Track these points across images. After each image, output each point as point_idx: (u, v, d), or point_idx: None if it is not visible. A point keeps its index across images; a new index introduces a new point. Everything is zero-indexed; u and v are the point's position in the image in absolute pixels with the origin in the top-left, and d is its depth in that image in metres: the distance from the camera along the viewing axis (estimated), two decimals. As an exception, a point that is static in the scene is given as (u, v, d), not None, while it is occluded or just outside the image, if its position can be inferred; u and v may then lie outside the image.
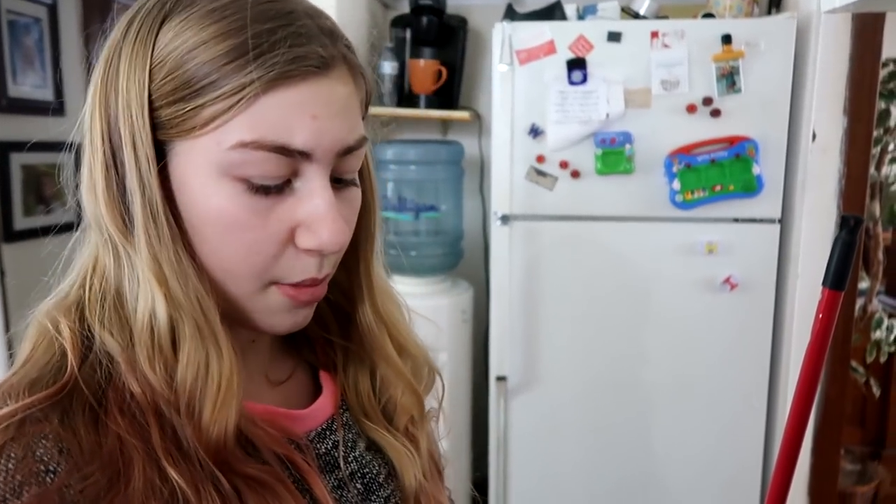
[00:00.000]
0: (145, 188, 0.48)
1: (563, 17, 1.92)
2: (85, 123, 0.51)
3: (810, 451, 1.93)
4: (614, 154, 1.81)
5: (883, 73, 2.09)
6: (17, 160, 2.38)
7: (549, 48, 1.80)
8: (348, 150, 0.52)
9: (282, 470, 0.52)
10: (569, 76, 1.80)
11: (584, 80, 1.80)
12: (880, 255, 2.28)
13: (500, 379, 1.94)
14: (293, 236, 0.51)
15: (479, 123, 2.45)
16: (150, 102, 0.48)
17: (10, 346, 2.14)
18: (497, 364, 1.94)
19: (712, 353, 1.88)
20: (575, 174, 1.84)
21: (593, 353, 1.92)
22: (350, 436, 0.62)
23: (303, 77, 0.48)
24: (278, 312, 0.54)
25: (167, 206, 0.48)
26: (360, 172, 0.58)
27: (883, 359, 2.37)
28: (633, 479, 1.97)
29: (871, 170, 2.15)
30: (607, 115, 1.79)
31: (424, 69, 2.21)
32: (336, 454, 0.60)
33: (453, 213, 2.28)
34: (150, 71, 0.48)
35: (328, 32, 0.51)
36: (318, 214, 0.50)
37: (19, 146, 2.40)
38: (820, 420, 1.92)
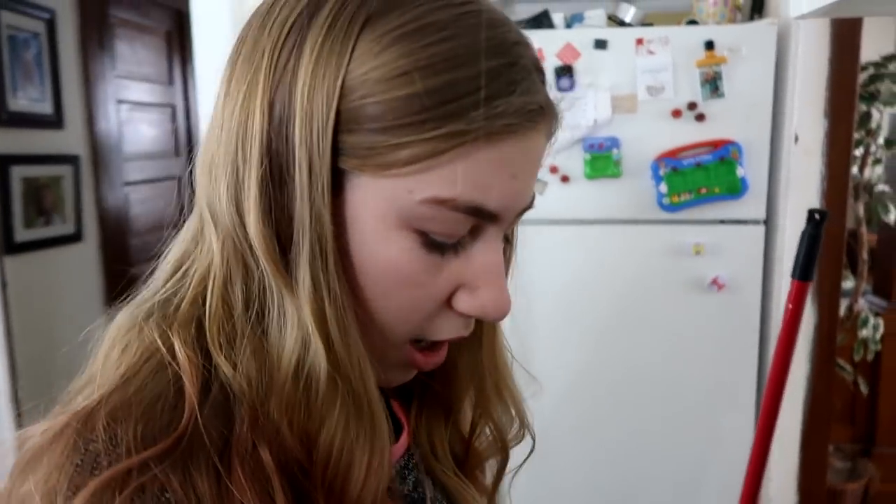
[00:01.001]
0: (316, 220, 0.40)
1: (550, 25, 1.97)
2: (221, 115, 0.43)
3: (799, 447, 1.97)
4: (602, 159, 1.85)
5: (863, 76, 2.14)
6: (18, 173, 2.42)
7: (538, 55, 1.85)
8: (524, 211, 0.46)
9: None
10: (557, 83, 1.85)
11: (572, 86, 1.85)
12: (865, 255, 2.33)
13: (495, 381, 1.98)
14: (452, 296, 0.45)
15: (471, 131, 2.50)
16: (337, 122, 0.40)
17: (11, 354, 2.17)
18: (491, 366, 1.98)
19: (701, 353, 1.92)
20: (565, 179, 1.88)
21: (584, 354, 1.96)
22: (421, 476, 0.57)
23: (521, 131, 0.41)
24: (397, 368, 0.49)
25: (337, 245, 0.41)
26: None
27: (870, 357, 2.42)
28: (624, 479, 2.00)
29: (854, 171, 2.20)
30: (595, 121, 1.84)
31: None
32: (416, 495, 0.55)
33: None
34: (344, 83, 0.39)
35: (540, 69, 0.45)
36: (487, 279, 0.44)
37: (19, 159, 2.44)
38: (808, 417, 1.96)
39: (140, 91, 3.20)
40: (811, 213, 0.69)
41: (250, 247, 0.42)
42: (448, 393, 0.58)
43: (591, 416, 1.98)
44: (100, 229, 2.91)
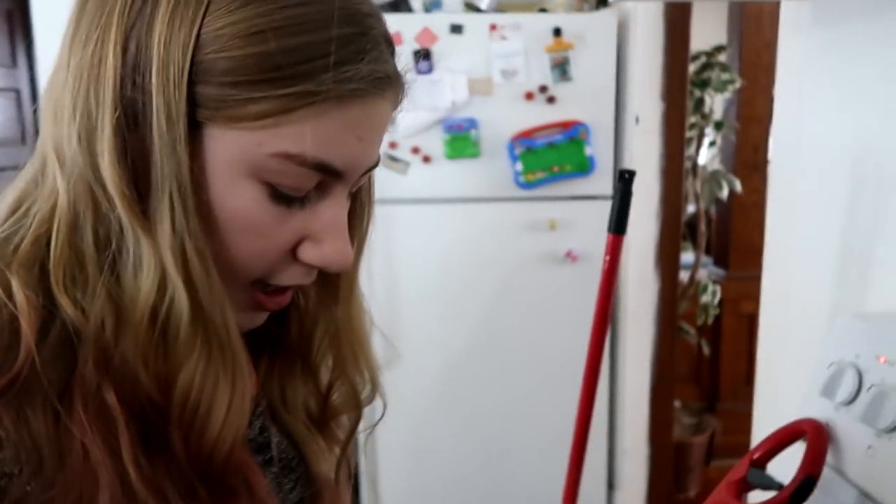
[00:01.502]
0: (177, 165, 0.41)
1: (409, 9, 2.01)
2: (83, 58, 0.42)
3: (648, 404, 2.14)
4: (461, 139, 1.93)
5: (696, 64, 2.35)
6: None
7: (396, 39, 1.88)
8: (369, 170, 0.49)
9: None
10: (416, 66, 1.90)
11: (431, 69, 1.90)
12: (703, 228, 2.55)
13: (366, 359, 2.01)
14: (296, 246, 0.47)
15: (336, 115, 2.51)
16: (191, 71, 0.41)
17: None
18: (361, 345, 2.01)
19: (558, 321, 2.04)
20: (426, 159, 1.94)
21: (451, 328, 2.04)
22: (267, 422, 0.59)
23: (368, 96, 0.44)
24: (243, 312, 0.49)
25: (197, 191, 0.42)
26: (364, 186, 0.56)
27: (710, 322, 2.65)
28: (494, 446, 2.10)
29: (691, 151, 2.40)
30: (453, 103, 1.91)
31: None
32: (261, 439, 0.57)
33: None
34: (200, 35, 0.40)
35: (389, 42, 0.47)
36: (328, 231, 0.47)
37: None
38: (655, 378, 2.14)
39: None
40: (621, 172, 0.78)
41: (104, 189, 0.41)
42: (303, 346, 0.59)
43: (458, 387, 2.06)
44: None
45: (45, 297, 0.42)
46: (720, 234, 3.06)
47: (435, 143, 1.93)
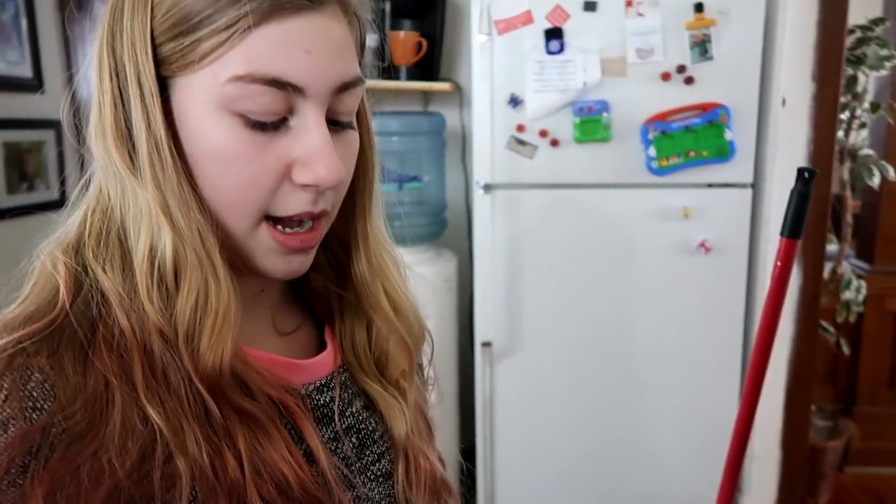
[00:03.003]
0: (150, 122, 0.49)
1: (540, -13, 1.94)
2: (93, 65, 0.52)
3: (783, 407, 2.01)
4: (592, 122, 1.85)
5: (850, 39, 2.14)
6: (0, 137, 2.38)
7: (527, 18, 1.83)
8: (343, 88, 0.52)
9: (274, 412, 0.52)
10: (546, 46, 1.83)
11: (562, 49, 1.83)
12: (849, 218, 2.36)
13: (486, 345, 2.00)
14: (290, 172, 0.51)
15: (459, 94, 2.48)
16: (153, 39, 0.49)
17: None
18: (482, 330, 2.00)
19: (689, 315, 1.95)
20: (554, 143, 1.88)
21: (575, 316, 1.98)
22: (347, 394, 0.63)
23: (296, 11, 0.49)
24: (271, 254, 0.54)
25: (171, 139, 0.50)
26: (358, 118, 0.58)
27: (852, 319, 2.46)
28: (616, 437, 2.04)
29: (840, 135, 2.21)
30: (584, 84, 1.83)
31: (405, 41, 2.24)
32: (332, 408, 0.60)
33: (436, 183, 2.32)
34: (152, 8, 0.49)
35: None
36: (313, 150, 0.51)
37: (0, 123, 2.40)
38: (791, 377, 2.00)
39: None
40: (800, 171, 0.70)
41: (113, 162, 0.50)
42: (359, 303, 0.64)
43: (584, 379, 2.01)
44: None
45: (83, 267, 0.51)
46: (865, 224, 2.82)
47: (564, 126, 1.86)
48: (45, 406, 0.45)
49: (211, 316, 0.50)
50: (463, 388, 2.33)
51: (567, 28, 1.83)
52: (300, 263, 0.56)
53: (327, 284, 0.66)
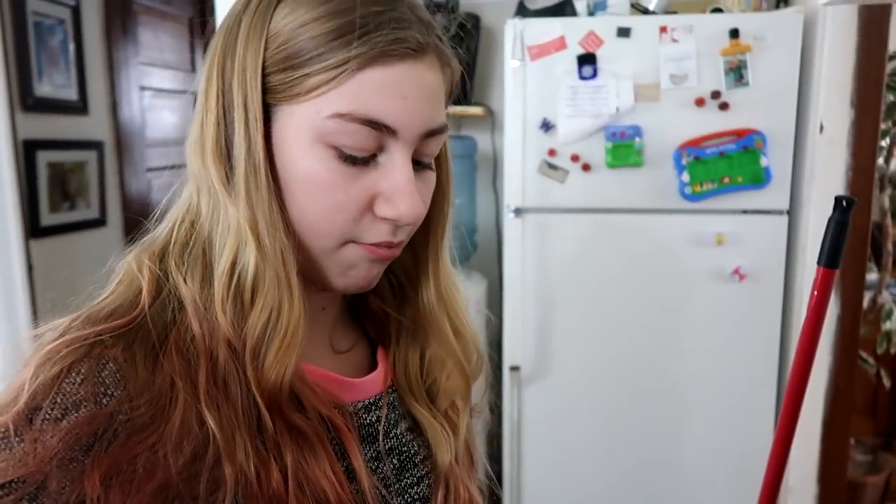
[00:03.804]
0: (251, 145, 0.52)
1: (573, 13, 1.95)
2: (200, 85, 0.56)
3: (819, 439, 1.96)
4: (624, 147, 1.84)
5: (891, 65, 2.11)
6: (44, 158, 2.45)
7: (560, 44, 1.84)
8: (430, 134, 0.56)
9: (323, 429, 0.55)
10: (579, 71, 1.84)
11: (595, 74, 1.84)
12: (890, 247, 2.30)
13: (514, 369, 1.99)
14: (373, 204, 0.55)
15: (491, 119, 2.50)
16: (264, 69, 0.52)
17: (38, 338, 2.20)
18: (510, 354, 1.99)
19: (722, 343, 1.92)
20: (586, 167, 1.88)
21: (604, 342, 1.96)
22: (394, 415, 0.65)
23: (400, 58, 0.52)
24: (353, 267, 0.57)
25: (268, 162, 0.53)
26: (438, 160, 0.62)
27: (893, 350, 2.39)
28: (644, 466, 2.01)
29: (880, 162, 2.17)
30: (617, 109, 1.83)
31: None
32: (378, 428, 0.63)
33: (467, 206, 2.33)
34: (267, 40, 0.52)
35: (425, 23, 0.56)
36: (397, 187, 0.54)
37: (45, 144, 2.47)
38: (829, 409, 1.95)
39: (162, 78, 3.22)
40: (838, 199, 0.69)
41: (209, 177, 0.53)
42: (418, 330, 0.67)
43: (612, 406, 1.98)
44: (123, 214, 2.94)
45: (164, 273, 0.55)
46: (907, 252, 2.75)
47: (596, 150, 1.86)
48: (115, 394, 0.48)
49: (280, 334, 0.52)
50: (490, 412, 2.31)
51: (600, 54, 1.83)
52: (375, 275, 0.60)
53: (385, 308, 0.69)
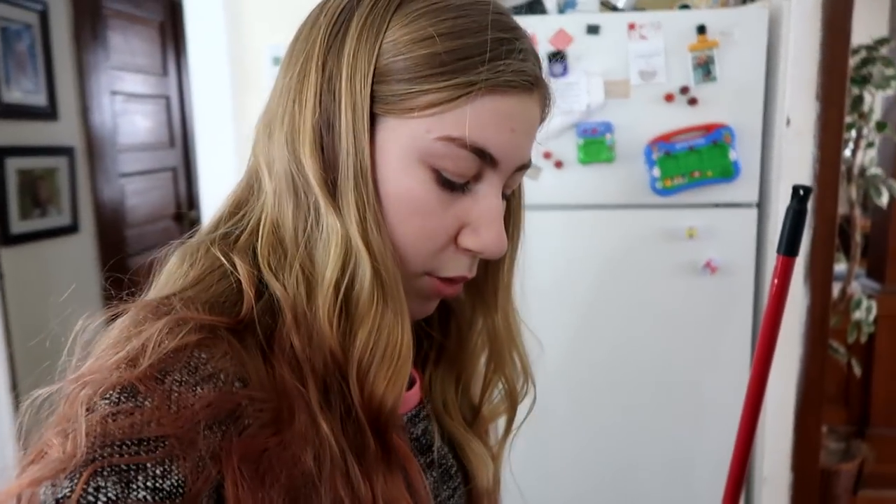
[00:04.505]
0: (359, 153, 0.50)
1: (543, 11, 1.97)
2: (288, 74, 0.52)
3: (793, 428, 1.99)
4: (596, 144, 1.86)
5: (855, 59, 2.15)
6: (13, 165, 2.42)
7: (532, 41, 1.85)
8: (522, 168, 0.55)
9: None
10: (550, 69, 1.85)
11: (565, 72, 1.85)
12: (858, 238, 2.34)
13: (491, 366, 1.99)
14: (457, 235, 0.53)
15: (465, 118, 2.50)
16: (374, 75, 0.49)
17: (9, 345, 2.17)
18: (487, 351, 1.99)
19: (695, 335, 1.94)
20: (558, 164, 1.89)
21: (580, 338, 1.98)
22: (431, 426, 0.65)
23: (518, 90, 0.51)
24: (422, 298, 0.56)
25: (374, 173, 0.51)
26: (514, 191, 0.62)
27: (864, 339, 2.43)
28: (622, 463, 2.02)
29: (847, 154, 2.21)
30: (588, 106, 1.85)
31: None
32: (424, 440, 0.62)
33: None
34: (381, 45, 0.49)
35: (537, 56, 0.55)
36: (488, 217, 0.53)
37: (14, 151, 2.44)
38: (802, 398, 1.98)
39: (134, 82, 3.19)
40: (795, 188, 0.71)
41: (304, 178, 0.50)
42: (461, 354, 0.66)
43: (586, 399, 2.00)
44: (96, 220, 2.91)
45: (259, 274, 0.52)
46: (876, 243, 2.80)
47: (568, 147, 1.88)
48: (241, 384, 0.46)
49: (394, 355, 0.50)
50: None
51: (570, 51, 1.85)
52: (433, 308, 0.59)
53: (429, 329, 0.68)
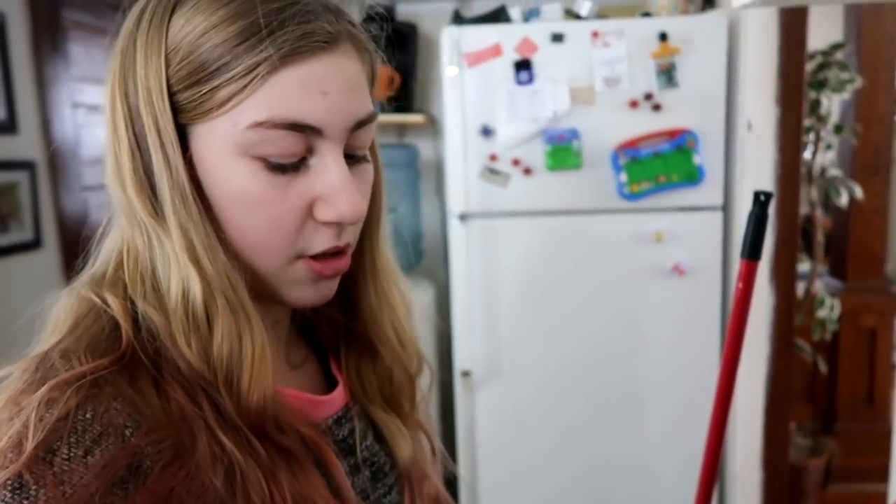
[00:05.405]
0: (172, 170, 0.49)
1: (507, 20, 1.99)
2: (106, 114, 0.52)
3: (762, 426, 2.02)
4: (563, 150, 1.88)
5: (812, 64, 2.21)
6: (-29, 180, 2.36)
7: (496, 50, 1.87)
8: (359, 125, 0.53)
9: (306, 448, 0.53)
10: (516, 77, 1.87)
11: (531, 79, 1.87)
12: (820, 237, 2.40)
13: (465, 374, 2.00)
14: (312, 210, 0.52)
15: (433, 126, 2.51)
16: (169, 88, 0.49)
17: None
18: (461, 359, 2.00)
19: (665, 337, 1.97)
20: (527, 171, 1.91)
21: (553, 343, 1.99)
22: (361, 426, 0.64)
23: (312, 53, 0.49)
24: (303, 284, 0.55)
25: (193, 185, 0.50)
26: (369, 150, 0.59)
27: (828, 337, 2.49)
28: (597, 463, 2.04)
29: (807, 156, 2.26)
30: (554, 113, 1.87)
31: (378, 76, 2.26)
32: (352, 441, 0.62)
33: (411, 214, 2.34)
34: (166, 57, 0.49)
35: (333, 10, 0.52)
36: (334, 188, 0.51)
37: (-27, 166, 2.38)
38: (769, 396, 2.02)
39: (96, 94, 3.14)
40: (756, 194, 0.72)
41: (134, 210, 0.50)
42: (368, 333, 0.65)
43: (563, 405, 2.01)
44: (59, 235, 2.85)
45: (132, 306, 0.51)
46: (837, 242, 2.87)
47: (536, 154, 1.89)
48: (134, 428, 0.45)
49: (248, 359, 0.50)
50: (444, 418, 2.32)
51: (536, 59, 1.87)
52: (329, 289, 0.57)
53: (334, 315, 0.67)
